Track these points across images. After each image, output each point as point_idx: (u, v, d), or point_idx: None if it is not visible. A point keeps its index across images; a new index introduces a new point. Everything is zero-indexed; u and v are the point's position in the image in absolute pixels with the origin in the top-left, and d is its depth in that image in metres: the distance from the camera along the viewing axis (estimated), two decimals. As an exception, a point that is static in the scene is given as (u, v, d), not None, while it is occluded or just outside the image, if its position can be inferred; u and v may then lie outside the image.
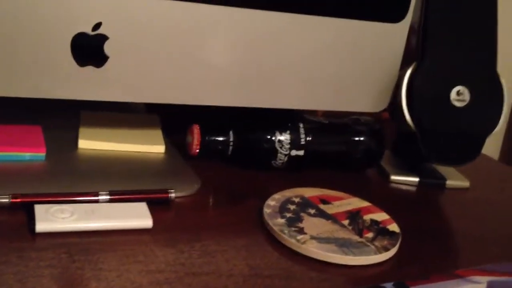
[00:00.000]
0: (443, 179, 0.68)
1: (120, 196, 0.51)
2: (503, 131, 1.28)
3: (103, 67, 0.53)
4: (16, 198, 0.48)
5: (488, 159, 0.82)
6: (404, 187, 0.67)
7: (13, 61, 0.50)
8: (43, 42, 0.50)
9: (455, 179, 0.69)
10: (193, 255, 0.47)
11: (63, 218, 0.47)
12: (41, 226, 0.46)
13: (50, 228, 0.46)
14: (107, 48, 0.52)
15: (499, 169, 0.80)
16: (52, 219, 0.47)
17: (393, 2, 0.61)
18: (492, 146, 1.29)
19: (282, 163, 0.63)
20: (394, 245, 0.52)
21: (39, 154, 0.56)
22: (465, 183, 0.69)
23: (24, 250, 0.44)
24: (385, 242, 0.52)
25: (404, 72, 0.64)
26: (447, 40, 0.63)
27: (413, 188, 0.67)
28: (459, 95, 0.63)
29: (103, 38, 0.52)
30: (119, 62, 0.53)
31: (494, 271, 0.51)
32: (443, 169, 0.71)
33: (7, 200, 0.48)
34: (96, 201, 0.50)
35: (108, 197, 0.51)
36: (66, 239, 0.46)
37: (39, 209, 0.47)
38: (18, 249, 0.44)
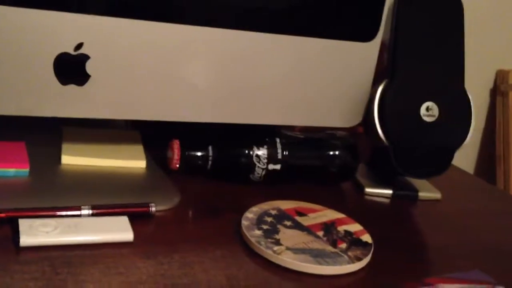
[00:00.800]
0: (415, 191, 0.71)
1: (102, 210, 0.53)
2: (478, 144, 1.32)
3: (85, 86, 0.55)
4: (0, 213, 0.50)
5: (460, 171, 0.85)
6: (378, 199, 0.70)
7: (-2, 80, 0.52)
8: (26, 61, 0.52)
9: (427, 191, 0.72)
10: (172, 266, 0.49)
11: (46, 232, 0.48)
12: (25, 240, 0.47)
13: (34, 242, 0.48)
14: (89, 67, 0.54)
15: (470, 181, 0.83)
16: (36, 233, 0.48)
17: (364, 23, 0.64)
18: (468, 159, 1.33)
19: (260, 176, 0.65)
20: (366, 255, 0.54)
21: (23, 170, 0.58)
22: (437, 195, 0.72)
23: (9, 263, 0.45)
24: (358, 252, 0.54)
25: (376, 89, 0.67)
26: (416, 58, 0.66)
27: (386, 200, 0.70)
28: (428, 111, 0.66)
29: (85, 57, 0.54)
30: (100, 81, 0.55)
31: (463, 279, 0.53)
32: (416, 181, 0.73)
33: (-9, 215, 0.50)
34: (79, 215, 0.52)
35: (90, 211, 0.52)
36: (50, 253, 0.48)
37: (23, 223, 0.49)
38: (3, 262, 0.45)
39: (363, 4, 0.63)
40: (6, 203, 0.51)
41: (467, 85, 1.24)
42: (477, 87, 1.27)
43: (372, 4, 0.64)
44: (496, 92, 1.26)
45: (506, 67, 1.26)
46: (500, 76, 1.25)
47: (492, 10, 1.23)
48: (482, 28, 1.23)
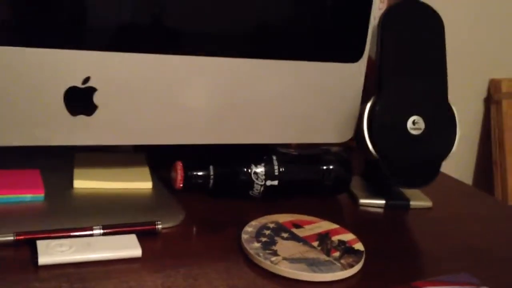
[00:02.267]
0: (407, 200, 0.75)
1: (112, 230, 0.58)
2: (476, 151, 1.36)
3: (93, 115, 0.60)
4: (20, 235, 0.54)
5: (450, 178, 0.89)
6: (372, 209, 0.74)
7: (12, 114, 0.57)
8: (39, 96, 0.57)
9: (419, 200, 0.76)
10: (178, 278, 0.53)
11: (62, 251, 0.53)
12: (43, 260, 0.52)
13: (51, 261, 0.52)
14: (96, 98, 0.59)
15: (461, 188, 0.87)
16: (52, 252, 0.53)
17: (350, 46, 0.69)
18: (466, 166, 1.37)
19: (259, 192, 0.70)
20: (358, 262, 0.58)
21: (39, 195, 0.63)
22: (428, 203, 0.76)
23: (30, 281, 0.50)
24: (350, 260, 0.58)
25: (365, 105, 0.71)
26: (401, 76, 0.71)
27: (380, 210, 0.74)
28: (414, 124, 0.70)
29: (92, 90, 0.59)
30: (107, 110, 0.60)
31: (448, 282, 0.57)
32: (407, 191, 0.77)
33: (12, 238, 0.54)
34: (91, 235, 0.57)
35: (101, 230, 0.57)
36: (66, 270, 0.52)
37: (41, 244, 0.53)
38: (24, 280, 0.50)
39: (349, 29, 0.68)
40: (24, 227, 0.56)
41: (462, 95, 1.28)
42: (471, 96, 1.31)
43: (357, 28, 0.68)
44: (490, 100, 1.30)
45: (498, 76, 1.30)
46: (493, 85, 1.29)
47: (483, 22, 1.27)
48: (475, 40, 1.27)
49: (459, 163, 1.34)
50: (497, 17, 1.28)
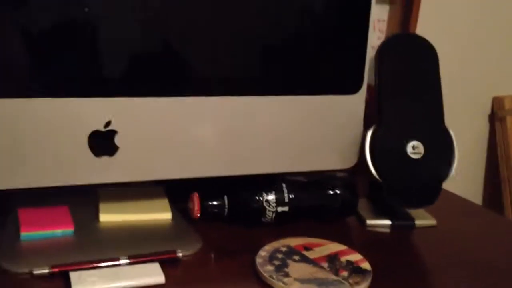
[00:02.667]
0: (412, 220, 0.79)
1: (137, 259, 0.63)
2: (483, 169, 1.39)
3: (115, 156, 0.65)
4: (54, 268, 0.60)
5: (455, 196, 0.93)
6: (378, 229, 0.78)
7: (42, 158, 0.63)
8: (65, 141, 0.63)
9: (423, 219, 0.80)
10: (199, 302, 0.58)
11: (93, 281, 0.58)
12: (76, 289, 0.57)
13: (83, 290, 0.58)
14: (117, 140, 0.65)
15: (464, 206, 0.91)
16: (84, 282, 0.58)
17: (349, 79, 0.74)
18: (475, 184, 1.40)
19: (271, 219, 0.74)
20: (365, 281, 0.62)
21: (69, 230, 0.69)
22: (432, 222, 0.80)
23: (64, 309, 0.55)
24: (358, 279, 0.63)
25: (367, 132, 0.76)
26: (399, 104, 0.76)
27: (386, 230, 0.78)
28: (414, 149, 0.75)
29: (113, 132, 0.65)
30: (127, 150, 0.66)
31: (449, 295, 0.62)
32: (413, 211, 0.82)
33: (47, 270, 0.60)
34: (118, 265, 0.62)
35: (127, 260, 0.62)
36: (96, 298, 0.58)
37: (73, 275, 0.59)
38: (60, 309, 0.55)
39: (347, 64, 0.74)
40: (57, 260, 0.62)
41: (467, 113, 1.32)
42: (476, 114, 1.35)
43: (355, 62, 0.74)
44: (494, 117, 1.34)
45: (501, 93, 1.34)
46: (497, 102, 1.33)
47: (485, 42, 1.32)
48: (477, 59, 1.32)
49: (467, 181, 1.37)
50: (498, 37, 1.33)
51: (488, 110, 1.36)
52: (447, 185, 0.95)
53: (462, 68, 1.31)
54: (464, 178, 1.37)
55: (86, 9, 0.60)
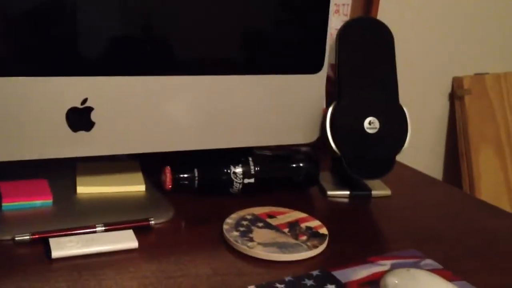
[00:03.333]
0: (369, 190, 0.86)
1: (112, 227, 0.68)
2: (444, 143, 1.47)
3: (91, 131, 0.70)
4: (34, 235, 0.65)
5: (410, 169, 1.00)
6: (338, 199, 0.84)
7: (22, 133, 0.67)
8: (44, 117, 0.67)
9: (379, 189, 0.86)
10: (170, 264, 0.63)
11: (71, 246, 0.63)
12: (56, 253, 0.62)
13: (62, 254, 0.62)
14: (93, 116, 0.70)
15: (419, 178, 0.97)
16: (63, 247, 0.63)
17: (311, 59, 0.79)
18: (436, 157, 1.48)
19: (238, 190, 0.80)
20: (322, 244, 0.68)
21: (47, 201, 0.73)
22: (387, 192, 0.86)
23: (45, 271, 0.60)
24: (315, 242, 0.69)
25: (327, 110, 0.82)
26: (357, 83, 0.82)
27: (345, 200, 0.84)
28: (370, 124, 0.81)
29: (90, 109, 0.69)
30: (103, 126, 0.70)
31: (397, 256, 0.68)
32: (370, 182, 0.88)
33: (28, 237, 0.64)
34: (95, 232, 0.67)
35: (103, 228, 0.67)
36: (75, 261, 0.62)
37: (52, 241, 0.64)
38: (40, 271, 0.60)
39: (309, 45, 0.79)
40: (37, 227, 0.66)
41: (429, 92, 1.39)
42: (437, 93, 1.42)
43: (316, 45, 0.79)
44: (454, 96, 1.41)
45: (460, 74, 1.41)
46: (456, 82, 1.40)
47: (446, 25, 1.38)
48: (438, 41, 1.38)
49: (429, 157, 1.45)
50: (458, 20, 1.39)
51: (448, 90, 1.43)
52: (408, 160, 1.02)
53: (424, 50, 1.37)
54: (425, 154, 1.45)
55: None
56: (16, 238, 0.64)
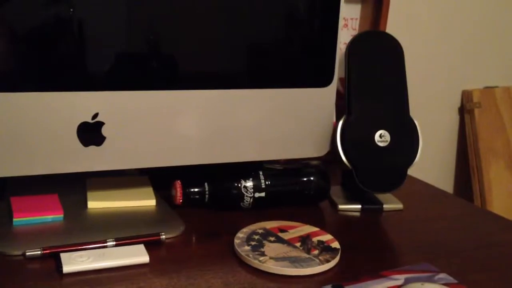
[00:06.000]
0: (381, 204, 0.85)
1: (123, 241, 0.68)
2: (455, 157, 1.46)
3: (102, 145, 0.70)
4: (46, 249, 0.65)
5: (421, 183, 0.99)
6: (349, 213, 0.84)
7: (33, 148, 0.67)
8: (55, 132, 0.67)
9: (391, 203, 0.86)
10: (181, 279, 0.63)
11: (82, 261, 0.63)
12: (67, 268, 0.62)
13: (74, 269, 0.62)
14: (104, 131, 0.70)
15: (430, 191, 0.97)
16: (74, 262, 0.63)
17: (321, 73, 0.79)
18: (447, 172, 1.47)
19: (249, 204, 0.80)
20: (334, 258, 0.68)
21: (58, 216, 0.73)
22: (399, 206, 0.86)
23: (56, 286, 0.60)
24: (327, 256, 0.68)
25: (338, 123, 0.81)
26: (367, 96, 0.81)
27: (357, 214, 0.84)
28: (381, 137, 0.80)
29: (100, 124, 0.69)
30: (114, 140, 0.70)
31: (410, 270, 0.67)
32: (381, 196, 0.87)
33: (39, 252, 0.64)
34: (105, 246, 0.67)
35: (114, 242, 0.67)
36: (86, 276, 0.62)
37: (64, 256, 0.64)
38: (52, 286, 0.60)
39: (319, 60, 0.79)
40: (49, 242, 0.66)
41: (439, 106, 1.39)
42: (447, 107, 1.42)
43: (326, 59, 0.79)
44: (463, 110, 1.40)
45: (470, 87, 1.41)
46: (466, 96, 1.40)
47: (455, 40, 1.38)
48: (448, 54, 1.38)
49: (439, 170, 1.44)
50: (467, 33, 1.39)
51: (458, 103, 1.42)
52: (419, 174, 1.02)
53: (433, 64, 1.37)
54: (436, 167, 1.44)
55: (71, 10, 0.65)
56: (27, 253, 0.64)
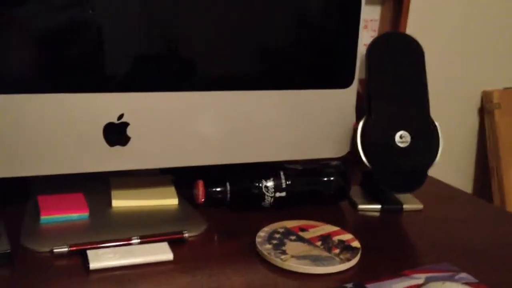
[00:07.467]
0: (400, 204, 0.86)
1: (147, 239, 0.69)
2: (474, 158, 1.46)
3: (127, 145, 0.72)
4: (72, 247, 0.66)
5: (441, 183, 0.99)
6: (369, 213, 0.85)
7: (61, 148, 0.69)
8: (82, 132, 0.69)
9: (411, 203, 0.86)
10: (204, 277, 0.64)
11: (108, 258, 0.65)
12: (94, 265, 0.64)
13: (100, 266, 0.64)
14: (129, 131, 0.71)
15: (449, 192, 0.97)
16: (100, 259, 0.64)
17: (342, 74, 0.80)
18: (466, 172, 1.47)
19: (269, 203, 0.81)
20: (355, 257, 0.69)
21: (84, 214, 0.75)
22: (419, 206, 0.86)
23: (83, 283, 0.62)
24: (348, 255, 0.69)
25: (358, 123, 0.82)
26: (387, 97, 0.82)
27: (376, 214, 0.84)
28: (401, 138, 0.81)
29: (126, 124, 0.71)
30: (138, 140, 0.72)
31: (431, 270, 0.68)
32: (401, 196, 0.88)
33: (66, 249, 0.66)
34: (130, 244, 0.68)
35: (139, 240, 0.69)
36: (112, 273, 0.64)
37: (90, 253, 0.65)
38: (79, 283, 0.62)
39: (340, 60, 0.80)
40: (75, 240, 0.68)
41: (458, 106, 1.38)
42: (467, 107, 1.41)
43: (346, 60, 0.80)
44: (483, 111, 1.40)
45: (490, 88, 1.40)
46: (486, 96, 1.39)
47: (475, 40, 1.38)
48: (468, 54, 1.38)
49: (459, 171, 1.44)
50: (487, 33, 1.39)
51: (477, 104, 1.42)
52: (439, 174, 1.02)
53: (453, 64, 1.37)
54: (456, 168, 1.43)
55: (92, 11, 0.66)
56: (55, 250, 0.66)
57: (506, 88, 1.41)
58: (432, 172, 0.88)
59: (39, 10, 0.64)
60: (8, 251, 0.64)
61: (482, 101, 1.41)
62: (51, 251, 0.66)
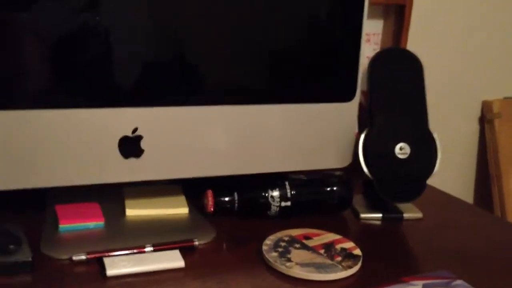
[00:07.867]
0: (401, 213, 0.89)
1: (160, 247, 0.73)
2: (474, 166, 1.49)
3: (141, 158, 0.76)
4: (90, 254, 0.70)
5: (440, 192, 1.03)
6: (370, 222, 0.88)
7: (78, 160, 0.73)
8: (98, 145, 0.73)
9: (411, 212, 0.90)
10: (213, 283, 0.68)
11: (124, 265, 0.69)
12: (110, 272, 0.67)
13: (116, 273, 0.68)
14: (143, 144, 0.75)
15: (448, 200, 1.00)
16: (116, 266, 0.68)
17: (344, 89, 0.84)
18: (466, 180, 1.50)
19: (275, 212, 0.85)
20: (356, 264, 0.72)
21: (100, 223, 0.79)
22: (419, 214, 0.90)
23: (101, 288, 0.66)
24: (350, 263, 0.73)
25: (359, 136, 0.86)
26: (388, 110, 0.86)
27: (378, 222, 0.88)
28: (401, 150, 0.85)
29: (140, 137, 0.75)
30: (151, 153, 0.76)
31: (429, 276, 0.71)
32: (402, 205, 0.91)
33: (84, 257, 0.70)
34: (144, 252, 0.72)
35: (152, 248, 0.73)
36: (127, 279, 0.68)
37: (107, 260, 0.69)
38: None
39: (343, 76, 0.84)
40: (92, 247, 0.72)
41: (459, 116, 1.42)
42: (467, 117, 1.45)
43: (349, 75, 0.84)
44: (483, 120, 1.44)
45: (490, 97, 1.44)
46: (486, 106, 1.43)
47: (475, 50, 1.41)
48: (467, 64, 1.42)
49: (459, 180, 1.47)
50: (487, 43, 1.42)
51: (478, 114, 1.46)
52: (440, 183, 1.06)
53: (453, 74, 1.41)
54: (456, 177, 1.47)
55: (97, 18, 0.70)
56: (74, 258, 0.70)
57: (506, 98, 1.45)
58: (433, 181, 0.91)
59: (55, 26, 0.68)
60: (30, 259, 0.68)
61: (482, 110, 1.44)
62: (70, 259, 0.70)
